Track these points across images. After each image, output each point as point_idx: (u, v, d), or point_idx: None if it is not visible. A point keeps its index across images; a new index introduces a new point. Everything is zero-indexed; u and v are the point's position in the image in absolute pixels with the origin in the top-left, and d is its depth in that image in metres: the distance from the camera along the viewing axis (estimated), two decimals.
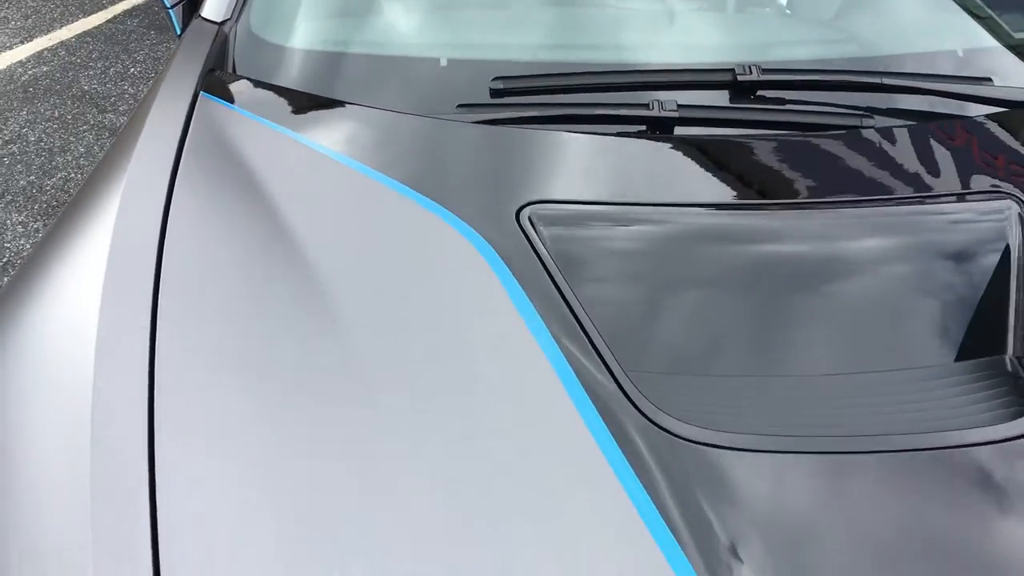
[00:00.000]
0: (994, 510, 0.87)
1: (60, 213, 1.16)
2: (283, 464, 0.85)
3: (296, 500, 0.83)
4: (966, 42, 1.44)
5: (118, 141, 1.30)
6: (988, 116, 1.30)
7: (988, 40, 1.45)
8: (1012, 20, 1.44)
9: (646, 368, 0.97)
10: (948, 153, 1.27)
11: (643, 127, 1.31)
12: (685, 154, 1.28)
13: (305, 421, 0.90)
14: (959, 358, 1.02)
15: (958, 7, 1.48)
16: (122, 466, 0.84)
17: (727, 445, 0.89)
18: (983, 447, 0.90)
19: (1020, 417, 0.92)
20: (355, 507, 0.83)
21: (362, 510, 0.83)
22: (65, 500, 0.83)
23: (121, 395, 0.89)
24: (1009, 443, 0.90)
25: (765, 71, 1.31)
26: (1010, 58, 1.41)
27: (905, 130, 1.28)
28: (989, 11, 1.47)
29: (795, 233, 1.15)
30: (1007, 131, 1.29)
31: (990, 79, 1.36)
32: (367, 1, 1.54)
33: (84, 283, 1.03)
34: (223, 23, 1.45)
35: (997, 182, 1.21)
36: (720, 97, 1.35)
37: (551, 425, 0.91)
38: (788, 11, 1.59)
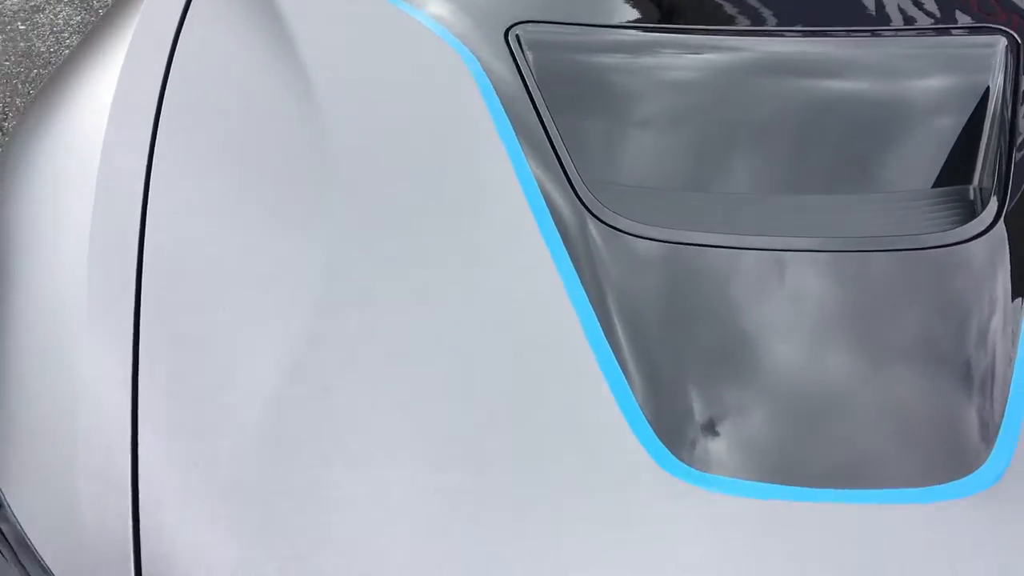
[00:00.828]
0: (929, 294, 0.92)
1: (86, 33, 1.26)
2: (259, 229, 0.96)
3: (264, 258, 0.94)
4: None
5: None
6: None
7: None
8: None
9: (604, 178, 1.04)
10: None
11: None
12: None
13: (289, 200, 1.00)
14: (933, 185, 1.05)
15: None
16: (119, 232, 0.96)
17: (665, 239, 0.96)
18: (926, 250, 0.95)
19: (958, 227, 0.96)
20: (320, 265, 0.94)
21: (331, 266, 0.94)
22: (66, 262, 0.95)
23: (122, 187, 1.00)
24: (946, 247, 0.95)
25: None
26: None
27: None
28: None
29: (778, 60, 1.18)
30: None
31: None
32: None
33: (99, 88, 1.14)
34: None
35: (992, 21, 1.21)
36: None
37: (502, 217, 0.99)
38: None
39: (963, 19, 1.20)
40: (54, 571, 0.77)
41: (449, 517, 0.76)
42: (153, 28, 1.20)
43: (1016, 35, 1.17)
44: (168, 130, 1.07)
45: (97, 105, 1.11)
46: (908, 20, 1.22)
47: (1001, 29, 1.18)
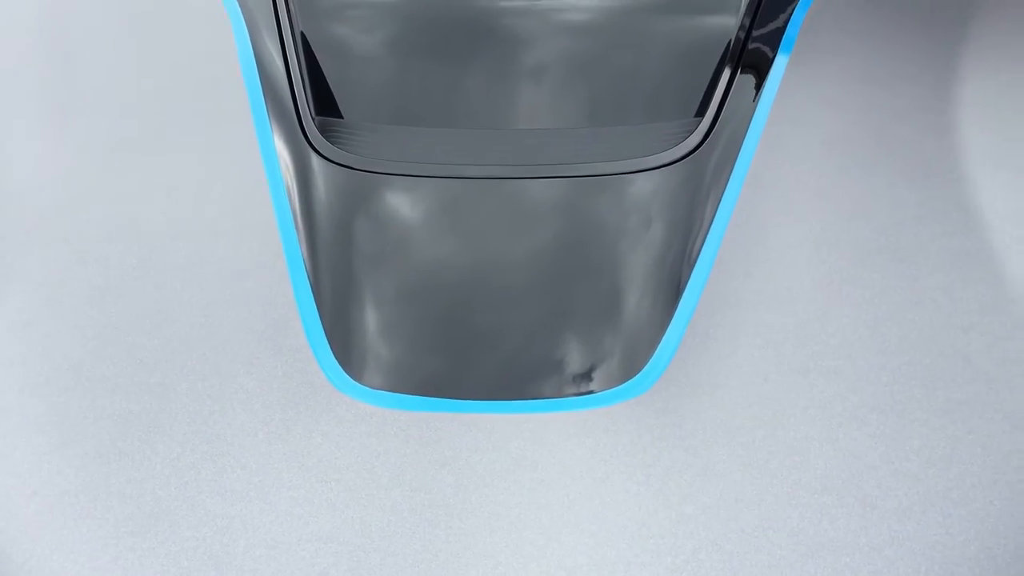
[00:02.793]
0: (620, 213, 0.96)
1: None
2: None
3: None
4: None
5: None
6: None
7: None
8: None
9: (333, 115, 1.06)
10: None
11: None
12: None
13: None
14: (660, 120, 1.08)
15: None
16: None
17: (375, 170, 0.98)
18: (626, 174, 0.98)
19: (656, 155, 0.99)
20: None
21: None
22: None
23: None
24: (656, 169, 0.98)
25: None
26: None
27: None
28: None
29: (527, 8, 1.20)
30: None
31: None
32: None
33: None
34: None
35: None
36: None
37: (230, 150, 1.02)
38: None
39: None
40: None
41: (125, 438, 0.80)
42: None
43: None
44: None
45: None
46: None
47: None
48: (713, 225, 0.92)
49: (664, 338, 0.84)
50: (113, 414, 0.83)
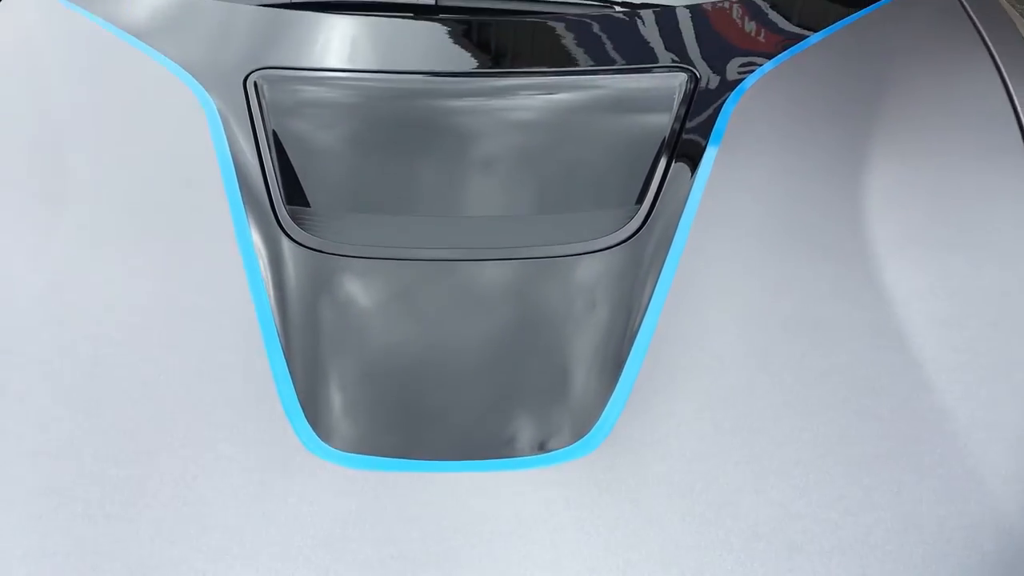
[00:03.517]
0: (566, 294, 1.07)
1: None
2: None
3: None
4: None
5: None
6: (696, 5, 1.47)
7: None
8: None
9: (307, 207, 1.16)
10: (655, 34, 1.43)
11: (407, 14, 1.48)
12: (421, 32, 1.45)
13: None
14: (602, 207, 1.20)
15: None
16: None
17: (344, 253, 1.08)
18: (569, 256, 1.09)
19: (611, 234, 1.11)
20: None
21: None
22: None
23: None
24: (586, 255, 1.09)
25: None
26: None
27: (624, 15, 1.45)
28: None
29: (484, 104, 1.34)
30: (704, 20, 1.45)
31: None
32: None
33: None
34: None
35: (682, 59, 1.38)
36: None
37: (208, 245, 1.11)
38: None
39: (661, 59, 1.37)
40: None
41: (112, 502, 0.86)
42: None
43: (696, 70, 1.34)
44: None
45: None
46: (602, 61, 1.39)
47: (687, 68, 1.35)
48: (651, 302, 1.03)
49: (609, 403, 0.93)
50: (102, 480, 0.89)
